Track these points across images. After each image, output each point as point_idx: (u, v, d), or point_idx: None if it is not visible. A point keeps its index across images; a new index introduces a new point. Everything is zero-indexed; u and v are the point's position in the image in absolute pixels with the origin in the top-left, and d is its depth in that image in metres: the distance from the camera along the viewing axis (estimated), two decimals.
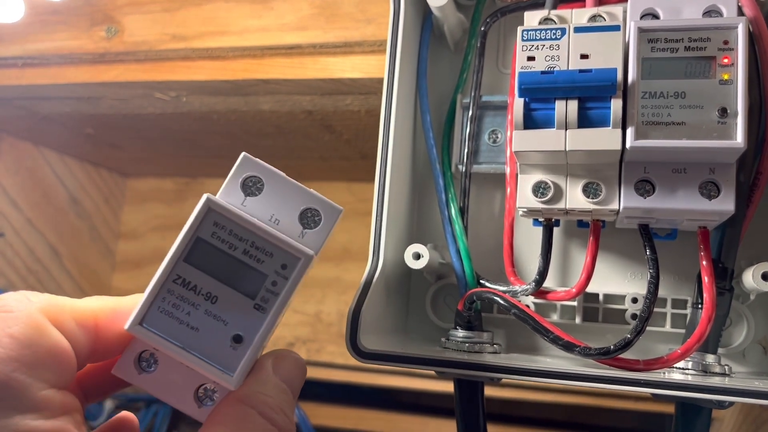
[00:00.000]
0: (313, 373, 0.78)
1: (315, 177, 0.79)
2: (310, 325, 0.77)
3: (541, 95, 0.31)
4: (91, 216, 0.82)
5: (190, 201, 0.85)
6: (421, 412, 0.77)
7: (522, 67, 0.32)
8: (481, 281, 0.38)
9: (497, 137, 0.40)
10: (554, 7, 0.36)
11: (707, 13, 0.32)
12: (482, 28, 0.40)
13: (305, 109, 0.54)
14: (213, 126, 0.61)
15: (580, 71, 0.30)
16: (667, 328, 0.37)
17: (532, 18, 0.35)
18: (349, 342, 0.34)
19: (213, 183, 0.84)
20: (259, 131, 0.62)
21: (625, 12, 0.33)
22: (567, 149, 0.31)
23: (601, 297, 0.38)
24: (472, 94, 0.40)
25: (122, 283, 0.85)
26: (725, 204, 0.31)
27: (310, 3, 0.48)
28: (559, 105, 0.31)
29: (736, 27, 0.30)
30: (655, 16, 0.32)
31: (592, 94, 0.30)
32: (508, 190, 0.37)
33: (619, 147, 0.30)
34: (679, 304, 0.37)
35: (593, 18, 0.34)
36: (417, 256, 0.38)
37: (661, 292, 0.37)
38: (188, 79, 0.51)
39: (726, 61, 0.30)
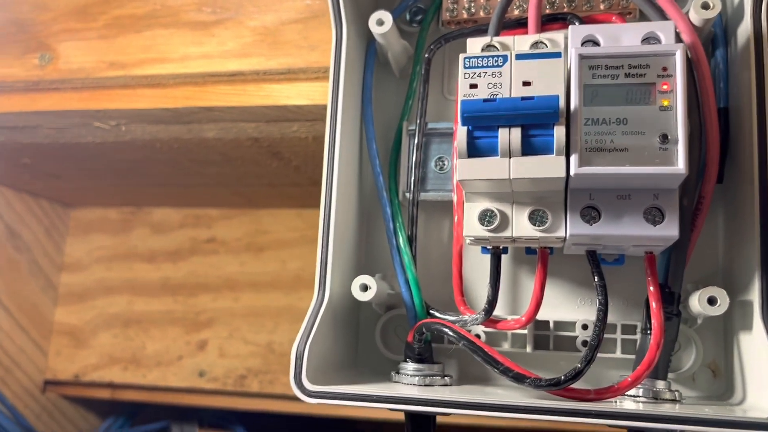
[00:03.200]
0: (267, 405, 0.77)
1: (265, 204, 0.77)
2: (261, 356, 0.75)
3: (483, 123, 0.31)
4: (31, 248, 0.79)
5: (136, 231, 0.82)
6: None
7: (464, 95, 0.31)
8: (430, 311, 0.38)
9: (444, 164, 0.40)
10: (497, 33, 0.36)
11: (646, 39, 0.32)
12: (426, 55, 0.40)
13: (251, 136, 0.53)
14: (156, 154, 0.60)
15: (522, 99, 0.30)
16: (618, 354, 0.37)
17: (474, 45, 0.34)
18: (294, 382, 0.33)
19: (160, 212, 0.82)
20: (205, 159, 0.60)
21: (566, 38, 0.33)
22: (511, 177, 0.31)
23: (551, 324, 0.38)
24: (418, 121, 0.39)
25: (65, 317, 0.82)
26: (669, 229, 0.31)
27: (252, 30, 0.47)
28: (503, 133, 0.30)
29: (674, 53, 0.30)
30: (596, 43, 0.32)
31: (535, 122, 0.30)
32: (456, 217, 0.37)
33: (563, 174, 0.30)
34: (629, 329, 0.37)
35: (535, 45, 0.34)
36: (364, 288, 0.37)
37: (611, 318, 0.37)
38: (128, 107, 0.49)
39: (665, 87, 0.30)
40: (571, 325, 0.38)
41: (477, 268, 0.39)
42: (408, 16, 0.42)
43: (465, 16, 0.40)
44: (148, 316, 0.79)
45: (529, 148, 0.30)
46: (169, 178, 0.70)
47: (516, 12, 0.39)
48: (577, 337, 0.37)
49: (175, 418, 0.83)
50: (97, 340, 0.80)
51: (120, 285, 0.81)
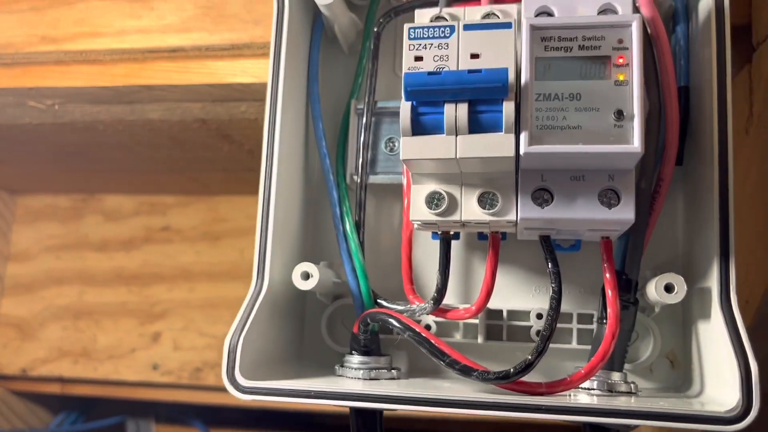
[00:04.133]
0: (224, 399, 0.74)
1: (222, 191, 0.74)
2: (218, 348, 0.72)
3: (428, 98, 0.28)
4: None
5: (87, 218, 0.79)
6: None
7: (409, 68, 0.29)
8: (378, 300, 0.36)
9: (394, 145, 0.37)
10: (448, 5, 0.34)
11: (603, 11, 0.30)
12: (376, 29, 0.38)
13: (198, 117, 0.50)
14: (101, 137, 0.56)
15: (470, 71, 0.28)
16: (574, 344, 0.35)
17: (423, 16, 0.32)
18: (227, 377, 0.31)
19: (113, 199, 0.79)
20: (152, 142, 0.57)
21: (519, 11, 0.31)
22: (458, 156, 0.28)
23: (504, 314, 0.36)
24: (367, 99, 0.37)
25: (12, 309, 0.78)
26: (625, 212, 0.29)
27: (194, 3, 0.44)
28: (449, 108, 0.28)
29: (630, 25, 0.28)
30: (551, 15, 0.30)
31: (482, 97, 0.28)
32: (406, 201, 0.35)
33: (512, 153, 0.28)
34: (585, 318, 0.35)
35: (487, 16, 0.32)
36: (306, 276, 0.34)
37: (567, 307, 0.35)
38: (63, 85, 0.46)
39: (621, 60, 0.28)
40: (525, 315, 0.36)
41: (428, 255, 0.37)
42: None
43: None
44: (99, 308, 0.76)
45: (476, 126, 0.28)
46: (118, 164, 0.67)
47: None
48: (531, 327, 0.36)
49: (131, 414, 0.80)
50: (45, 333, 0.76)
51: (70, 275, 0.78)
